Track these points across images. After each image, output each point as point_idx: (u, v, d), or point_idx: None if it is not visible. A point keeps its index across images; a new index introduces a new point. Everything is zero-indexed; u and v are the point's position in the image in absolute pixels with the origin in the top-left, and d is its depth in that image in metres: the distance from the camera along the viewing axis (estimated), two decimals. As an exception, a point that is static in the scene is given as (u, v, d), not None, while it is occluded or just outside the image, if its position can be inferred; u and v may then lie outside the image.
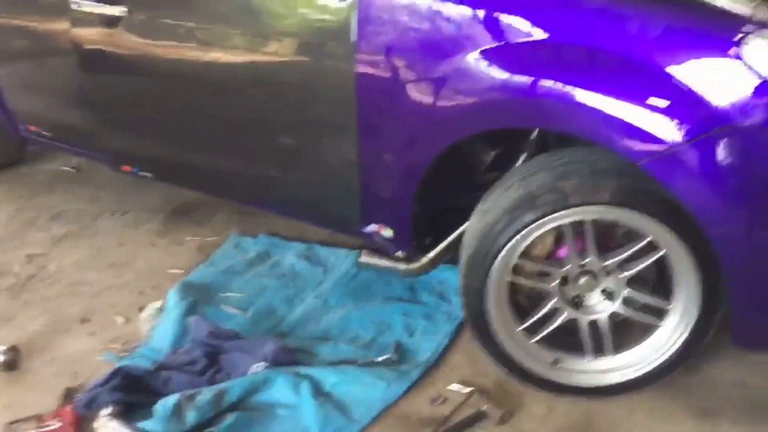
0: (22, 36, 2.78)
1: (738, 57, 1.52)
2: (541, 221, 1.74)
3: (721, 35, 1.55)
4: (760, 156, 1.53)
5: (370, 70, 1.91)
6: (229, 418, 1.89)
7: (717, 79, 1.54)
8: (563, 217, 1.74)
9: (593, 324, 1.90)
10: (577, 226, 1.78)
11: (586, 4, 1.68)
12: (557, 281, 1.86)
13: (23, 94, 2.96)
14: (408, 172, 1.98)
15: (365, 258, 2.21)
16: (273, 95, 2.15)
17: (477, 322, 1.89)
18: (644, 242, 1.76)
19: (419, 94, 1.85)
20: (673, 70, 1.57)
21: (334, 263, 2.59)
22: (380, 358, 2.11)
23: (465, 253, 1.86)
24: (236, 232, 2.83)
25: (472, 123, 1.85)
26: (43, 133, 3.00)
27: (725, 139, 1.53)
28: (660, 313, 1.85)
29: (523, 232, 1.76)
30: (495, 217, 1.79)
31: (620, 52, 1.62)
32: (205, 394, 1.92)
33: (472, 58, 1.76)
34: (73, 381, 2.12)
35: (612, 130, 1.61)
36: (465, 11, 1.75)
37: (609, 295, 1.88)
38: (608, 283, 1.87)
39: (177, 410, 1.87)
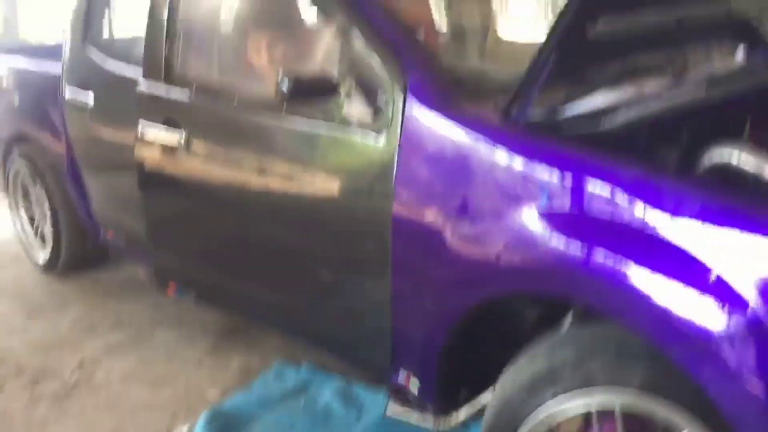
0: (103, 147, 2.95)
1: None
2: (562, 400, 1.58)
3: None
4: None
5: (406, 213, 1.86)
6: None
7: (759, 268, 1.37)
8: (587, 399, 1.57)
9: None
10: (607, 412, 1.60)
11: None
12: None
13: (103, 202, 3.12)
14: (438, 320, 1.88)
15: (392, 410, 2.10)
16: (313, 227, 2.14)
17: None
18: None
19: (455, 243, 1.77)
20: (710, 252, 1.41)
21: (370, 405, 2.47)
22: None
23: (484, 425, 1.72)
24: (282, 359, 2.77)
25: (503, 282, 1.75)
26: (118, 240, 3.12)
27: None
28: None
29: (543, 410, 1.61)
30: (513, 390, 1.65)
31: (659, 232, 1.48)
32: None
33: (520, 218, 1.67)
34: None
35: (642, 311, 1.46)
36: (518, 166, 1.67)
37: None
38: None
39: None
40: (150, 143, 2.51)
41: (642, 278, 1.44)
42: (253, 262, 2.38)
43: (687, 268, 1.43)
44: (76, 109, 3.03)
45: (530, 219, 1.65)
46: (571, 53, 1.71)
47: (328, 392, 2.56)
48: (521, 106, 1.73)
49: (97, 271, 3.63)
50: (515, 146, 1.70)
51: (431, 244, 1.83)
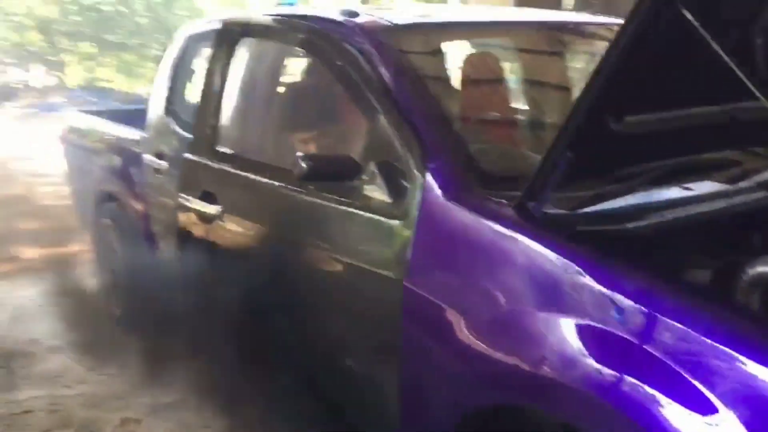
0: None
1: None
2: None
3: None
4: None
5: (417, 295, 1.78)
6: None
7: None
8: None
9: None
10: None
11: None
12: None
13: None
14: (444, 415, 1.77)
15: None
16: (327, 304, 2.11)
17: None
18: None
19: (465, 337, 1.67)
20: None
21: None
22: None
23: None
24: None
25: (506, 392, 1.63)
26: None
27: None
28: None
29: None
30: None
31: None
32: None
33: (531, 320, 1.56)
34: None
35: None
36: (523, 261, 1.58)
37: None
38: None
39: None
40: (189, 212, 2.59)
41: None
42: (277, 328, 2.36)
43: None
44: (154, 176, 3.17)
45: (538, 322, 1.54)
46: (590, 148, 1.61)
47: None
48: (536, 199, 1.64)
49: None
50: (522, 239, 1.61)
51: (441, 334, 1.75)
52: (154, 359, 3.39)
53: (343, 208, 1.99)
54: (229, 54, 2.62)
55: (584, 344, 1.46)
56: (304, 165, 1.88)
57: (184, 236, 2.66)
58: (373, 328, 1.95)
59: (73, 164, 4.31)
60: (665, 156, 1.79)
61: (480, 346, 1.66)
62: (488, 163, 1.91)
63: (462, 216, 1.74)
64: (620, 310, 1.40)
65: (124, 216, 3.59)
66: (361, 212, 1.94)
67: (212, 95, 2.61)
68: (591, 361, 1.43)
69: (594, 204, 1.70)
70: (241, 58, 2.64)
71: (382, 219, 1.89)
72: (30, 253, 5.01)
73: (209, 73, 2.67)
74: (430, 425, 1.83)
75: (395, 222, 1.86)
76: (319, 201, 2.07)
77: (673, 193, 1.81)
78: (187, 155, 2.67)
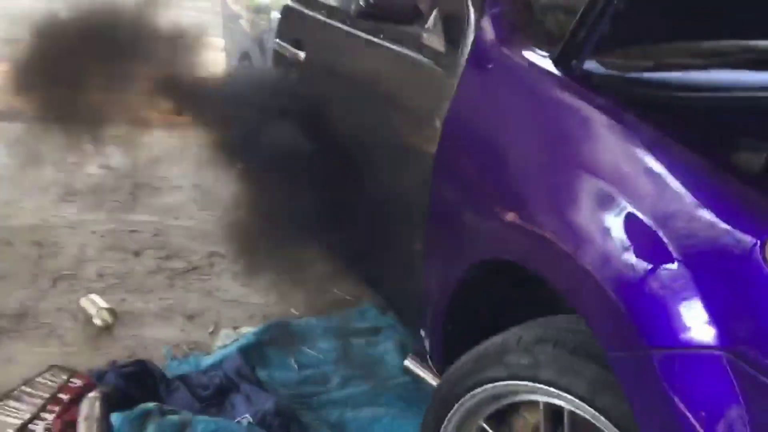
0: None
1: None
2: (504, 384, 1.37)
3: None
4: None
5: (451, 146, 1.70)
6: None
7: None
8: (531, 392, 1.35)
9: None
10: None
11: None
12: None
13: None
14: (446, 274, 1.72)
15: (410, 362, 1.98)
16: (375, 165, 2.08)
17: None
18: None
19: (487, 190, 1.59)
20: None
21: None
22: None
23: (434, 392, 1.56)
24: (371, 302, 2.75)
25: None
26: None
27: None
28: None
29: (484, 390, 1.41)
30: (465, 359, 1.46)
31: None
32: (174, 418, 1.91)
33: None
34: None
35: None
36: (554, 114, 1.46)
37: None
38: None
39: (144, 417, 1.90)
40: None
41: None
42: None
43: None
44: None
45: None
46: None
47: (392, 342, 2.50)
48: (575, 53, 1.49)
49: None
50: (556, 95, 1.48)
51: (466, 188, 1.67)
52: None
53: (396, 49, 1.94)
54: None
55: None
56: (362, 2, 1.84)
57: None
58: (407, 181, 1.91)
59: (225, 26, 4.53)
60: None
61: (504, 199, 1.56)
62: (550, 21, 1.76)
63: (511, 64, 1.63)
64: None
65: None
66: (413, 55, 1.88)
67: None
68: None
69: (644, 70, 1.52)
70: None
71: (433, 66, 1.81)
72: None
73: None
74: (436, 290, 1.78)
75: (442, 71, 1.78)
76: (375, 41, 2.02)
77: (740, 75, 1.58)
78: (289, 3, 2.71)
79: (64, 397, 2.05)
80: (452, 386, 1.48)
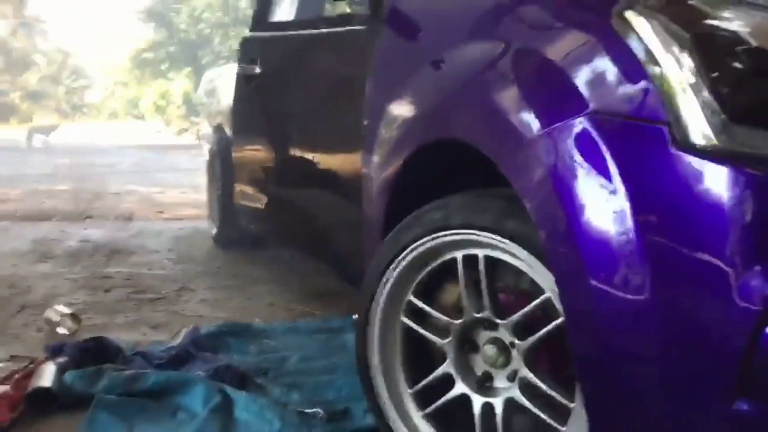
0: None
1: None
2: (425, 242, 1.45)
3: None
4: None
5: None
6: (132, 401, 1.86)
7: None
8: (448, 248, 1.42)
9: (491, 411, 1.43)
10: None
11: None
12: (452, 338, 1.47)
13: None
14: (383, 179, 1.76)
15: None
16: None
17: (361, 368, 1.59)
18: (539, 300, 1.32)
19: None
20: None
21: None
22: (308, 410, 1.86)
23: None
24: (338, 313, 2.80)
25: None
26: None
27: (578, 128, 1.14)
28: (564, 414, 1.31)
29: (408, 256, 1.48)
30: (389, 236, 1.54)
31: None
32: (127, 372, 1.93)
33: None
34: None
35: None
36: None
37: (513, 376, 1.41)
38: (516, 359, 1.41)
39: (96, 373, 1.92)
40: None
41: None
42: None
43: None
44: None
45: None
46: None
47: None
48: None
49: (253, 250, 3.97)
50: None
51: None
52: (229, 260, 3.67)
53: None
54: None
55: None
56: None
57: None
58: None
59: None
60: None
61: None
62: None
63: None
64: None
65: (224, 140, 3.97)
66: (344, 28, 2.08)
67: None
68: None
69: None
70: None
71: (360, 29, 2.01)
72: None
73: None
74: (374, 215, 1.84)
75: (367, 31, 1.97)
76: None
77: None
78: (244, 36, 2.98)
79: (18, 376, 2.06)
80: (379, 261, 1.54)
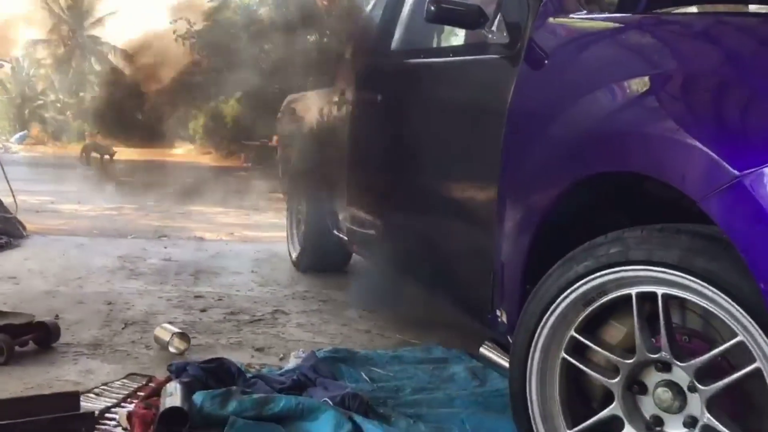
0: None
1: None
2: (596, 278, 1.41)
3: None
4: None
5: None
6: (264, 426, 1.84)
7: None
8: (621, 286, 1.38)
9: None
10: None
11: None
12: (621, 378, 1.42)
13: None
14: (522, 227, 1.76)
15: (486, 349, 1.99)
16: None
17: (517, 406, 1.54)
18: (732, 342, 1.27)
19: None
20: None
21: (493, 380, 2.34)
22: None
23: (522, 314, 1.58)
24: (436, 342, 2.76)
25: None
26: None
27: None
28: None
29: (577, 290, 1.44)
30: (554, 268, 1.51)
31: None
32: (256, 396, 1.92)
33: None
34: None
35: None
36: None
37: (692, 423, 1.36)
38: (694, 404, 1.35)
39: (225, 396, 1.91)
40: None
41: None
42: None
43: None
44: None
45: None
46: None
47: (460, 367, 2.48)
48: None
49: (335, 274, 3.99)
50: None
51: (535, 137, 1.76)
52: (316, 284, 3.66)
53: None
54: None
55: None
56: (432, 8, 2.05)
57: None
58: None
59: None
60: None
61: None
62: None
63: (571, 30, 1.80)
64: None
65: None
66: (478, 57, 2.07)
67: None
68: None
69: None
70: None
71: (496, 57, 1.99)
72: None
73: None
74: (511, 258, 1.82)
75: (504, 59, 1.95)
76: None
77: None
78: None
79: (142, 393, 2.07)
80: (542, 295, 1.50)
